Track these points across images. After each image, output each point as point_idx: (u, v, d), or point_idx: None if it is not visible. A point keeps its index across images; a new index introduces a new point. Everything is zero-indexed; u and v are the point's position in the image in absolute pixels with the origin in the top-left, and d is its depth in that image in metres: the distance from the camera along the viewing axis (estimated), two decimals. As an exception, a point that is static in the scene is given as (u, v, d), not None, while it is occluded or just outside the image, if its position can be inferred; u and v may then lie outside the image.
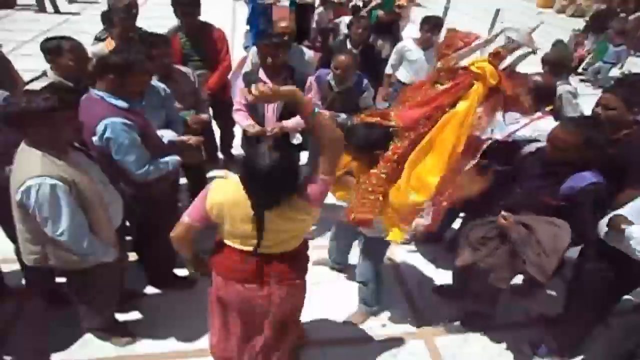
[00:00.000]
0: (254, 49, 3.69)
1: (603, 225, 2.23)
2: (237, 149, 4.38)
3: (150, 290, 2.98)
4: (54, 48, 2.50)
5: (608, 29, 7.70)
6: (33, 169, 1.73)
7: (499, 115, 2.31)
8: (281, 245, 1.83)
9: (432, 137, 2.11)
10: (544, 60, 3.60)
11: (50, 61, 2.55)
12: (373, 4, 7.59)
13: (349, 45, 4.36)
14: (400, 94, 2.64)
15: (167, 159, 2.38)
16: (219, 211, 1.74)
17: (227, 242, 1.84)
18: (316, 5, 7.99)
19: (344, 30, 5.31)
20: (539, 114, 2.84)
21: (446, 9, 8.70)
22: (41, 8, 9.85)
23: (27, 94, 1.73)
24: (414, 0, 7.51)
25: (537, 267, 2.06)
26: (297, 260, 1.92)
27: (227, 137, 4.45)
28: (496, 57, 2.15)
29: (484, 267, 2.29)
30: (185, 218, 1.81)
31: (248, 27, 8.38)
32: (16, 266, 2.61)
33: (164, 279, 2.99)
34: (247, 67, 3.70)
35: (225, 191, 1.75)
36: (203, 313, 2.19)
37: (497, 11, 8.23)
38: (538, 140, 2.51)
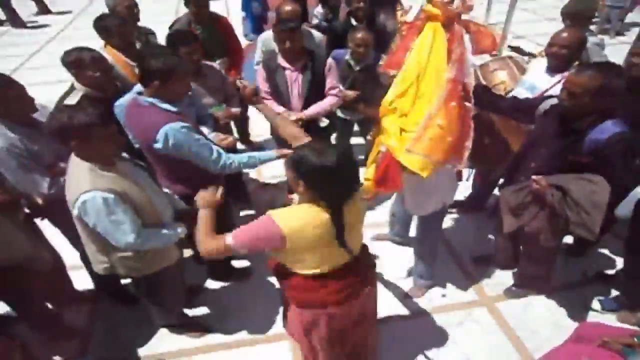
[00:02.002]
0: (263, 36, 3.68)
1: None
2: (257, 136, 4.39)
3: (210, 284, 3.06)
4: (75, 61, 2.44)
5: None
6: (83, 184, 1.76)
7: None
8: (358, 241, 1.78)
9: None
10: (564, 14, 3.50)
11: (74, 75, 2.51)
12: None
13: (353, 23, 4.26)
14: None
15: (258, 154, 2.39)
16: (298, 239, 1.56)
17: (313, 271, 1.69)
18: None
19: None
20: (572, 70, 2.80)
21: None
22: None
23: (68, 109, 1.75)
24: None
25: (581, 225, 2.07)
26: (366, 250, 1.89)
27: (243, 124, 4.47)
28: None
29: (530, 230, 2.33)
30: (230, 241, 1.59)
31: (244, 14, 8.21)
32: (84, 272, 2.69)
33: (223, 271, 3.06)
34: (257, 56, 3.67)
35: (298, 216, 1.57)
36: (265, 300, 2.34)
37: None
38: (552, 96, 2.44)
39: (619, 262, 3.02)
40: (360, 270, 1.79)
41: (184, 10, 3.63)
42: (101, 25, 2.97)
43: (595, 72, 1.99)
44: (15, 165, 2.12)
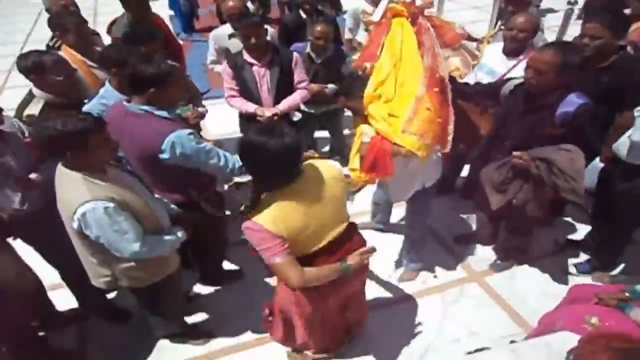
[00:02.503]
0: (214, 34, 3.58)
1: (622, 146, 2.32)
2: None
3: (202, 289, 2.99)
4: (35, 66, 2.26)
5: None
6: (80, 195, 1.66)
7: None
8: (337, 217, 1.81)
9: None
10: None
11: (33, 80, 2.32)
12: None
13: (303, 16, 4.27)
14: None
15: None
16: (288, 232, 1.62)
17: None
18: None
19: None
20: (526, 53, 2.98)
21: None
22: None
23: (58, 117, 1.61)
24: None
25: (571, 191, 2.23)
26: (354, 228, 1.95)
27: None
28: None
29: (517, 203, 2.48)
30: (278, 259, 1.62)
31: (171, 12, 7.89)
32: (62, 292, 2.58)
33: (216, 275, 2.99)
34: (210, 55, 3.59)
35: (273, 215, 1.61)
36: (262, 299, 2.27)
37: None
38: (514, 78, 2.66)
39: (582, 228, 3.29)
40: (347, 246, 1.83)
41: (102, 10, 3.43)
42: (58, 23, 2.76)
43: (557, 50, 2.17)
44: None
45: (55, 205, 1.82)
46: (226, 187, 3.58)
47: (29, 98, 2.36)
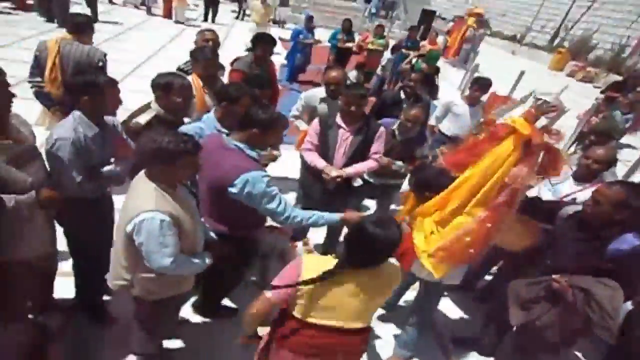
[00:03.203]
0: (307, 94, 3.87)
1: None
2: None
3: (190, 316, 2.98)
4: (165, 85, 2.57)
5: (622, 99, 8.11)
6: (147, 203, 1.82)
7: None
8: (348, 314, 1.81)
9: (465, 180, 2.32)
10: (593, 130, 3.80)
11: (157, 96, 2.63)
12: (414, 55, 8.07)
13: (402, 96, 4.58)
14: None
15: (321, 215, 2.47)
16: (309, 296, 1.75)
17: (313, 320, 1.81)
18: (353, 48, 8.40)
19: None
20: (595, 181, 3.00)
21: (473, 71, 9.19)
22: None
23: (168, 134, 1.82)
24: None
25: (605, 328, 2.14)
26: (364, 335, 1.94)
27: None
28: (529, 114, 2.31)
29: (540, 325, 2.40)
30: (269, 295, 1.80)
31: (285, 62, 8.77)
32: (60, 280, 2.64)
33: (214, 308, 3.01)
34: (295, 109, 3.85)
35: (318, 269, 1.74)
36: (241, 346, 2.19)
37: (522, 73, 8.63)
38: (575, 203, 2.64)
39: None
40: (345, 340, 1.84)
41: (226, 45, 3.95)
42: (194, 54, 3.22)
43: (623, 188, 2.22)
44: (68, 160, 2.13)
45: (110, 202, 2.04)
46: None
47: (146, 107, 2.68)
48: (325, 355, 1.86)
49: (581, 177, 2.96)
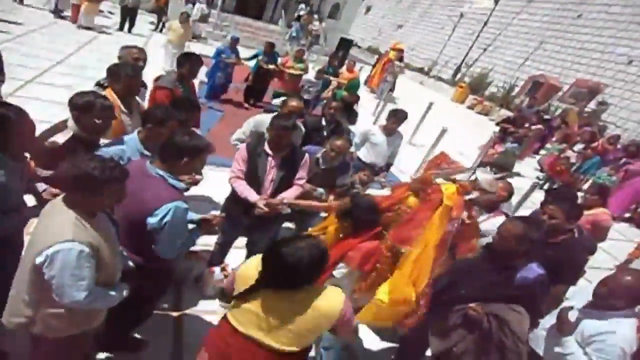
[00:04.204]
0: (257, 118, 3.89)
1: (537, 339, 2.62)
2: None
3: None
4: (85, 105, 2.40)
5: (514, 133, 9.27)
6: (64, 232, 1.69)
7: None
8: (286, 339, 1.80)
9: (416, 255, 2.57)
10: (494, 164, 4.29)
11: (75, 117, 2.44)
12: (334, 84, 8.39)
13: (323, 122, 4.74)
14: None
15: (195, 234, 2.41)
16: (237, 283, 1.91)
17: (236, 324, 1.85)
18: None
19: None
20: (497, 211, 3.40)
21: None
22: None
23: (95, 160, 1.71)
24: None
25: (516, 353, 2.35)
26: None
27: None
28: (462, 186, 2.68)
29: (457, 352, 2.57)
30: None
31: (205, 79, 8.61)
32: None
33: (122, 341, 2.81)
34: (240, 133, 3.85)
35: (250, 267, 1.89)
36: None
37: (430, 104, 9.41)
38: (485, 236, 2.97)
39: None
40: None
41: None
42: (114, 71, 3.03)
43: (523, 224, 2.50)
44: None
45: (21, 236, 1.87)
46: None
47: (61, 126, 2.50)
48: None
49: (485, 206, 3.32)
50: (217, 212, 2.70)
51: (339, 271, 2.61)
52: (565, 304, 2.65)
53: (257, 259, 1.88)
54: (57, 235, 1.69)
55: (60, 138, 2.40)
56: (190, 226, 2.40)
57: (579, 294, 2.69)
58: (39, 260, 1.68)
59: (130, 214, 2.13)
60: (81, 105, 2.39)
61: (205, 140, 2.25)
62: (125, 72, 3.04)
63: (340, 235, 2.70)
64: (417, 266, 2.52)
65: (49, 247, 1.67)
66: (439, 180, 2.78)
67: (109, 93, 2.99)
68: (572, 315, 2.46)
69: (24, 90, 6.42)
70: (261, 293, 1.79)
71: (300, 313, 1.76)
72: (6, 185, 2.00)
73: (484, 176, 2.87)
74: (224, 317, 1.94)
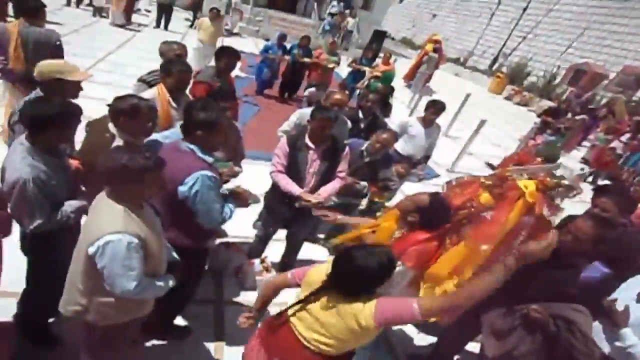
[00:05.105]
0: (302, 111, 3.92)
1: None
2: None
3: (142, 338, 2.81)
4: (132, 110, 2.31)
5: (558, 124, 8.86)
6: (113, 224, 1.74)
7: None
8: (315, 335, 1.84)
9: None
10: (539, 155, 4.13)
11: (121, 122, 2.33)
12: (369, 76, 8.32)
13: (360, 115, 4.70)
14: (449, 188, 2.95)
15: (230, 206, 2.44)
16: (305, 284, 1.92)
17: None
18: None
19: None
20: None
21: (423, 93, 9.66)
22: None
23: (128, 152, 1.76)
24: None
25: (589, 356, 2.23)
26: None
27: None
28: (542, 183, 2.51)
29: (518, 355, 2.45)
30: (289, 274, 2.03)
31: (240, 74, 8.76)
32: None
33: (166, 328, 2.89)
34: (287, 125, 3.88)
35: (320, 272, 1.89)
36: None
37: (467, 95, 9.16)
38: None
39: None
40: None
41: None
42: (167, 67, 3.09)
43: (598, 223, 2.36)
44: (35, 198, 2.01)
45: (78, 229, 1.92)
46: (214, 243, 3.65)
47: (110, 137, 2.39)
48: None
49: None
50: (254, 205, 2.74)
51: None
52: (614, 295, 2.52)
53: (327, 265, 1.90)
54: (107, 226, 1.74)
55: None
56: (229, 204, 2.45)
57: (625, 288, 2.54)
58: (91, 250, 1.74)
59: (167, 191, 2.19)
60: (128, 110, 2.31)
61: (218, 113, 2.26)
62: (177, 67, 3.09)
63: (398, 233, 2.60)
64: (467, 256, 2.43)
65: (100, 238, 1.72)
66: (515, 177, 2.64)
67: (160, 88, 3.07)
68: (620, 306, 2.34)
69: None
70: (322, 294, 1.82)
71: (346, 323, 1.76)
72: (51, 182, 2.07)
73: (570, 173, 2.74)
74: (283, 312, 1.96)
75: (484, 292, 1.71)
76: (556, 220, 2.61)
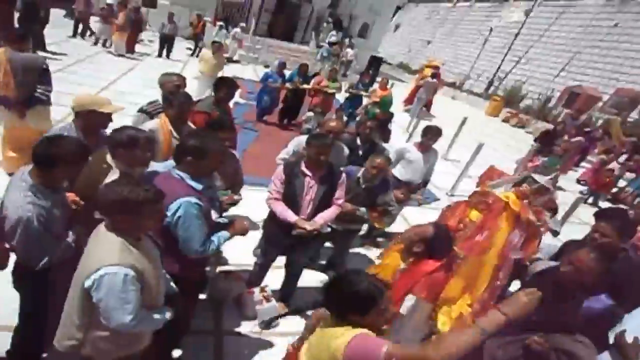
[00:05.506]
0: (298, 138, 3.97)
1: None
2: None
3: None
4: (130, 141, 2.33)
5: (554, 146, 8.93)
6: (110, 257, 1.74)
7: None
8: None
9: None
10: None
11: (119, 154, 2.35)
12: (368, 102, 8.45)
13: (358, 142, 4.74)
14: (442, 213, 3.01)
15: (220, 234, 2.44)
16: None
17: None
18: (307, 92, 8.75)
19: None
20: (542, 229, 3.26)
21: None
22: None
23: (128, 184, 1.78)
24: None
25: None
26: None
27: None
28: (520, 192, 2.62)
29: None
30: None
31: (240, 100, 8.90)
32: None
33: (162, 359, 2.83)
34: (285, 153, 3.92)
35: None
36: None
37: (465, 119, 9.27)
38: (540, 259, 2.80)
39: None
40: None
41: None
42: (169, 98, 3.16)
43: (601, 256, 2.34)
44: (39, 236, 2.04)
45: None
46: (212, 273, 3.61)
47: (107, 168, 2.40)
48: None
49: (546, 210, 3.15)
50: (254, 232, 2.73)
51: (406, 304, 2.47)
52: (620, 327, 2.50)
53: None
54: (103, 259, 1.74)
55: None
56: (221, 234, 2.45)
57: (634, 316, 2.52)
58: (87, 284, 1.74)
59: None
60: (126, 141, 2.33)
61: (209, 139, 2.29)
62: (179, 99, 3.16)
63: (403, 266, 2.56)
64: (474, 273, 2.48)
65: (96, 271, 1.72)
66: (497, 191, 2.77)
67: (162, 119, 3.13)
68: (629, 337, 2.32)
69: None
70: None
71: (322, 344, 1.71)
72: (52, 217, 2.10)
73: (542, 178, 2.84)
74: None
75: (461, 349, 1.55)
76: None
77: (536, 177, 2.81)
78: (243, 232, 2.61)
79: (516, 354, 2.46)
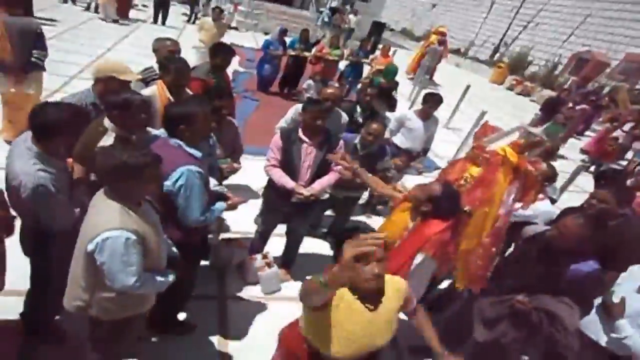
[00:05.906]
0: (297, 107, 3.94)
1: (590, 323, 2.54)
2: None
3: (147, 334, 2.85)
4: (124, 103, 2.37)
5: (557, 114, 8.82)
6: (111, 221, 1.76)
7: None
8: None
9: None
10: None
11: (114, 115, 2.39)
12: (372, 70, 8.30)
13: (358, 110, 4.70)
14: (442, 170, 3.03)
15: (217, 205, 2.47)
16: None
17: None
18: (309, 59, 8.57)
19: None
20: (540, 195, 3.26)
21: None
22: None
23: (126, 149, 1.78)
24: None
25: (567, 347, 2.28)
26: None
27: None
28: (515, 145, 2.63)
29: (504, 342, 2.53)
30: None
31: (239, 68, 8.74)
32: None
33: (167, 323, 2.93)
34: (284, 121, 3.91)
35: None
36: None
37: (467, 87, 9.13)
38: (533, 223, 2.82)
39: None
40: None
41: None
42: (166, 64, 3.13)
43: (588, 222, 2.35)
44: (58, 200, 2.09)
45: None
46: (215, 240, 3.67)
47: (103, 131, 2.42)
48: None
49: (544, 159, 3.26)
50: (255, 200, 2.75)
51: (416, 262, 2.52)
52: (614, 288, 2.56)
53: None
54: (105, 223, 1.76)
55: (107, 143, 2.38)
56: (218, 204, 2.48)
57: (627, 279, 2.57)
58: (90, 247, 1.77)
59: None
60: (121, 103, 2.37)
61: (195, 105, 2.29)
62: (175, 65, 3.12)
63: (411, 224, 2.59)
64: (480, 224, 2.56)
65: (98, 234, 1.75)
66: (492, 146, 2.80)
67: (159, 85, 3.09)
68: (616, 298, 2.41)
69: (70, 87, 6.69)
70: None
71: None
72: (59, 184, 2.11)
73: (535, 129, 2.89)
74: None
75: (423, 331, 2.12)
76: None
77: (530, 129, 2.83)
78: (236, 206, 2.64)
79: (503, 312, 2.54)
